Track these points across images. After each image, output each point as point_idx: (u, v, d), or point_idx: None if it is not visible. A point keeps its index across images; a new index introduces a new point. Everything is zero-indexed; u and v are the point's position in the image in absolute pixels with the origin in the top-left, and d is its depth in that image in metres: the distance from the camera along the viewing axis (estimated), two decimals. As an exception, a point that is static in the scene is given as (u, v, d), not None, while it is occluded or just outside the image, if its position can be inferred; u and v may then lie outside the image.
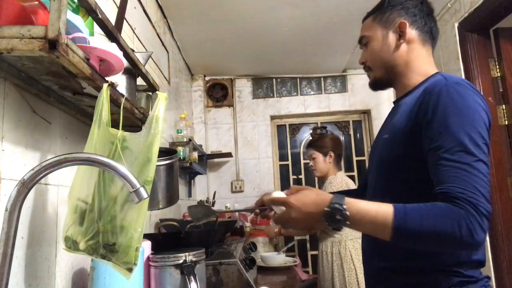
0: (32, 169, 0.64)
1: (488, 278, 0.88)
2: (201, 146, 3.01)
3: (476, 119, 0.81)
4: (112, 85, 0.83)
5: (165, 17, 2.42)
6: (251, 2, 2.35)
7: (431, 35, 1.03)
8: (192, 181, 3.09)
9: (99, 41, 0.81)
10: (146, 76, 1.13)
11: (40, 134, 0.90)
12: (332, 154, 2.36)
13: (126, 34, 1.59)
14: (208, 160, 3.39)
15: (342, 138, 3.63)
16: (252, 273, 1.46)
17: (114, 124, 0.82)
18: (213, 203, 2.91)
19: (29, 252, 0.84)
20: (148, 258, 1.09)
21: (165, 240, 1.28)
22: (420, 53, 1.01)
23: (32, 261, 0.85)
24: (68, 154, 0.66)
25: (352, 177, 3.23)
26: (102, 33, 0.89)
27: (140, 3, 1.89)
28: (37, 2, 0.70)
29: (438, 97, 0.84)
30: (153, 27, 2.13)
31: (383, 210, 0.76)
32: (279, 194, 0.93)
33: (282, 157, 3.68)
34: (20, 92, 0.81)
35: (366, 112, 3.65)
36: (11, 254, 0.63)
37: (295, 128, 3.75)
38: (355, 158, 3.64)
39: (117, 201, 0.76)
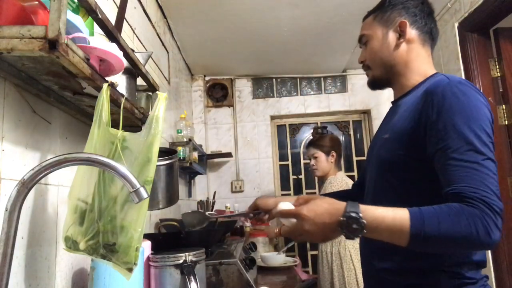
0: (32, 169, 0.64)
1: (487, 277, 0.88)
2: (201, 146, 3.01)
3: (481, 117, 0.81)
4: (112, 85, 0.83)
5: (165, 17, 2.42)
6: (251, 2, 2.35)
7: (431, 35, 1.03)
8: (192, 181, 3.09)
9: (99, 41, 0.81)
10: (146, 76, 1.13)
11: (40, 134, 0.90)
12: (334, 153, 2.36)
13: (126, 34, 1.59)
14: (208, 160, 3.39)
15: (342, 138, 3.63)
16: (252, 273, 1.46)
17: (114, 124, 0.82)
18: (213, 203, 2.91)
19: (29, 252, 0.84)
20: (148, 258, 1.09)
21: (165, 240, 1.28)
22: (420, 53, 1.01)
23: (32, 261, 0.85)
24: (68, 154, 0.66)
25: (352, 177, 3.23)
26: (102, 33, 0.89)
27: (140, 3, 1.89)
28: (37, 2, 0.70)
29: (442, 97, 0.84)
30: (153, 27, 2.13)
31: (400, 215, 0.74)
32: (287, 205, 0.85)
33: (282, 157, 3.68)
34: (20, 92, 0.81)
35: (366, 112, 3.65)
36: (11, 254, 0.63)
37: (295, 128, 3.75)
38: (355, 158, 3.64)
39: (117, 201, 0.76)
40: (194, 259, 1.05)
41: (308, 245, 3.50)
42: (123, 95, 0.90)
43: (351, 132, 3.69)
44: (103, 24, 0.84)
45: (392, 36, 1.02)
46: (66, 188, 1.00)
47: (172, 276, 1.03)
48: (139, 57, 1.10)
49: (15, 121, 0.80)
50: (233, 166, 3.51)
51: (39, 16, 0.69)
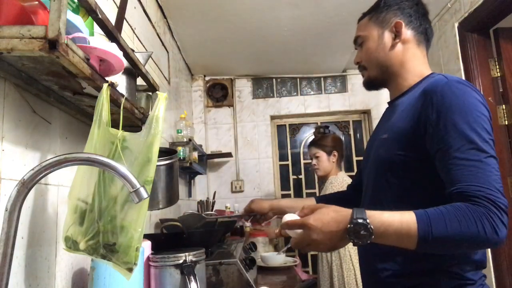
0: (32, 169, 0.64)
1: (485, 276, 0.89)
2: (201, 146, 3.01)
3: (481, 116, 0.81)
4: (112, 85, 0.83)
5: (165, 17, 2.42)
6: (251, 2, 2.35)
7: (426, 36, 1.04)
8: (192, 181, 3.09)
9: (99, 41, 0.81)
10: (146, 76, 1.13)
11: (40, 134, 0.90)
12: (336, 153, 2.36)
13: (126, 34, 1.59)
14: (208, 160, 3.39)
15: (342, 138, 3.63)
16: (252, 273, 1.46)
17: (114, 124, 0.82)
18: (213, 203, 2.91)
19: (29, 252, 0.84)
20: (148, 258, 1.09)
21: (167, 240, 1.28)
22: (415, 53, 1.02)
23: (32, 261, 0.85)
24: (68, 154, 0.66)
25: (352, 177, 3.23)
26: (102, 33, 0.89)
27: (140, 3, 1.89)
28: (37, 2, 0.70)
29: (441, 96, 0.84)
30: (153, 27, 2.13)
31: (406, 219, 0.74)
32: (292, 216, 0.84)
33: (282, 157, 3.68)
34: (20, 92, 0.81)
35: (366, 112, 3.65)
36: (11, 254, 0.63)
37: (295, 128, 3.75)
38: (355, 158, 3.64)
39: (117, 201, 0.76)
40: (194, 259, 1.05)
41: (308, 245, 3.49)
42: (123, 95, 0.90)
43: (351, 132, 3.69)
44: (103, 24, 0.84)
45: (387, 37, 1.02)
46: (66, 188, 1.00)
47: (172, 276, 1.03)
48: (139, 57, 1.10)
49: (15, 121, 0.80)
50: (233, 166, 3.51)
51: (39, 16, 0.69)
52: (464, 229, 0.71)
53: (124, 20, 1.38)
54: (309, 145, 2.53)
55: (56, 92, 0.87)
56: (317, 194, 3.52)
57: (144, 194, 0.64)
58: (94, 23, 0.87)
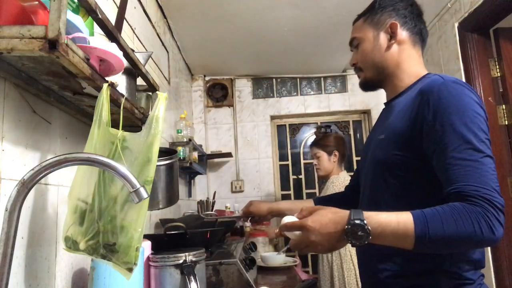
0: (32, 169, 0.64)
1: (483, 276, 0.89)
2: (201, 146, 3.01)
3: (477, 116, 0.82)
4: (112, 85, 0.83)
5: (165, 17, 2.42)
6: (251, 2, 2.35)
7: (421, 36, 1.05)
8: (192, 181, 3.09)
9: (99, 41, 0.81)
10: (146, 76, 1.13)
11: (40, 134, 0.90)
12: (336, 153, 2.36)
13: (126, 34, 1.59)
14: (208, 160, 3.38)
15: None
16: (252, 273, 1.46)
17: (114, 124, 0.82)
18: (213, 203, 2.91)
19: (29, 252, 0.84)
20: (148, 258, 1.09)
21: (169, 240, 1.28)
22: (411, 53, 1.02)
23: (32, 261, 0.85)
24: (68, 154, 0.66)
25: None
26: (102, 33, 0.89)
27: (140, 3, 1.89)
28: (37, 2, 0.70)
29: (438, 97, 0.84)
30: (153, 27, 2.13)
31: (403, 219, 0.75)
32: (291, 218, 0.85)
33: (282, 157, 3.68)
34: (20, 92, 0.81)
35: (366, 112, 3.65)
36: (11, 254, 0.63)
37: (295, 128, 3.75)
38: (355, 158, 3.64)
39: (117, 201, 0.76)
40: (194, 259, 1.05)
41: (308, 245, 3.49)
42: (123, 95, 0.90)
43: (351, 132, 3.69)
44: (103, 24, 0.84)
45: (383, 38, 1.03)
46: (66, 188, 1.00)
47: (172, 276, 1.03)
48: (139, 57, 1.10)
49: (15, 121, 0.80)
50: (233, 166, 3.51)
51: (39, 16, 0.69)
52: (461, 229, 0.71)
53: (124, 20, 1.38)
54: (310, 145, 2.53)
55: (56, 92, 0.87)
56: (317, 194, 3.52)
57: (144, 194, 0.64)
58: (94, 23, 0.87)
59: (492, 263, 2.11)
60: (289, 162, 3.66)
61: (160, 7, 2.29)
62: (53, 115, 0.95)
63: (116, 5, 1.44)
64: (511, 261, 2.06)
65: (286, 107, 3.63)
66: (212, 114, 3.60)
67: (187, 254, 1.04)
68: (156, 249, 1.15)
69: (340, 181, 2.24)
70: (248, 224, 2.76)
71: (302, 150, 3.68)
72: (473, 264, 0.86)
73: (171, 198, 1.15)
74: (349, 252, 2.12)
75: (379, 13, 1.04)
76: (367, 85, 1.09)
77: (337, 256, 2.15)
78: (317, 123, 3.69)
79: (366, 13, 1.08)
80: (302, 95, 3.65)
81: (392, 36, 1.02)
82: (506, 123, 2.16)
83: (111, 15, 1.16)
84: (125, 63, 0.91)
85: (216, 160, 3.46)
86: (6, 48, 0.61)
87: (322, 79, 3.68)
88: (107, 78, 0.82)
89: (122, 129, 0.81)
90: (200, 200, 2.92)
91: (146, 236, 1.18)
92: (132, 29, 1.72)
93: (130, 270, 0.75)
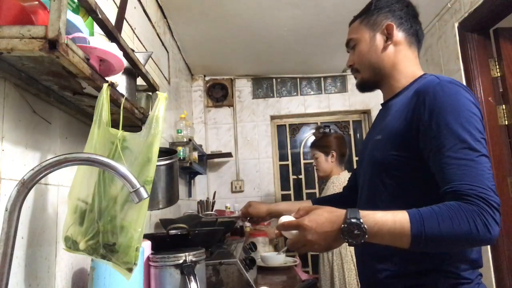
0: (32, 169, 0.64)
1: (481, 275, 0.89)
2: (201, 146, 3.01)
3: (472, 115, 0.83)
4: (112, 85, 0.83)
5: (165, 17, 2.42)
6: (251, 2, 2.35)
7: (416, 37, 1.05)
8: (192, 181, 3.09)
9: (99, 41, 0.81)
10: (146, 76, 1.13)
11: (40, 134, 0.90)
12: (334, 153, 2.35)
13: (126, 34, 1.59)
14: (208, 160, 3.38)
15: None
16: (252, 273, 1.46)
17: (114, 124, 0.82)
18: (213, 203, 2.91)
19: (29, 252, 0.84)
20: (148, 258, 1.09)
21: (169, 240, 1.28)
22: (407, 54, 1.03)
23: (32, 261, 0.85)
24: (68, 154, 0.66)
25: (352, 177, 3.22)
26: (102, 33, 0.89)
27: (140, 3, 1.89)
28: (37, 2, 0.70)
29: (434, 97, 0.85)
30: (153, 27, 2.13)
31: (399, 218, 0.75)
32: (288, 218, 0.86)
33: (282, 157, 3.68)
34: (20, 92, 0.81)
35: (366, 112, 3.65)
36: (11, 254, 0.63)
37: (295, 128, 3.75)
38: (355, 158, 3.64)
39: (117, 201, 0.76)
40: (194, 259, 1.05)
41: (308, 245, 3.49)
42: (123, 95, 0.90)
43: (351, 132, 3.69)
44: (103, 24, 0.84)
45: (379, 39, 1.04)
46: (66, 188, 1.00)
47: (172, 276, 1.03)
48: (139, 57, 1.10)
49: (15, 121, 0.80)
50: (233, 166, 3.51)
51: (39, 16, 0.69)
52: (457, 227, 0.72)
53: (124, 20, 1.38)
54: (310, 146, 2.53)
55: (56, 92, 0.87)
56: (317, 194, 3.53)
57: (144, 194, 0.64)
58: (94, 23, 0.87)
59: (492, 263, 2.11)
60: (289, 162, 3.66)
61: (160, 7, 2.29)
62: (53, 115, 0.95)
63: (116, 5, 1.44)
64: (511, 261, 2.06)
65: (286, 107, 3.63)
66: (212, 114, 3.61)
67: (187, 254, 1.04)
68: (156, 249, 1.15)
69: (340, 181, 2.24)
70: (248, 224, 2.76)
71: (302, 150, 3.68)
72: (471, 263, 0.87)
73: (171, 198, 1.15)
74: (350, 252, 2.12)
75: (375, 14, 1.05)
76: (364, 86, 1.10)
77: (337, 256, 2.15)
78: (317, 123, 3.69)
79: (362, 14, 1.09)
80: (302, 95, 3.65)
81: (388, 37, 1.02)
82: (506, 123, 2.16)
83: (111, 15, 1.16)
84: (125, 63, 0.91)
85: (216, 160, 3.46)
86: (6, 48, 0.61)
87: (322, 79, 3.68)
88: (107, 78, 0.82)
89: (122, 129, 0.81)
90: (200, 200, 2.92)
91: (146, 236, 1.18)
92: (132, 29, 1.72)
93: (130, 270, 0.75)
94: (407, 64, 1.02)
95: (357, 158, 3.63)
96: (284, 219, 0.86)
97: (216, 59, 3.27)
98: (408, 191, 0.89)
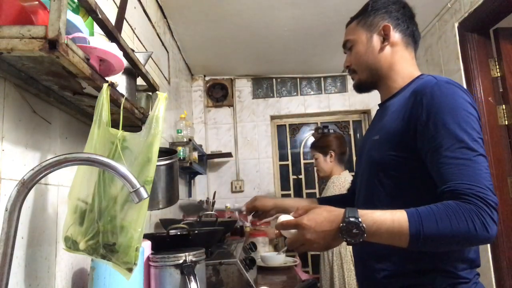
0: (32, 169, 0.64)
1: (478, 275, 0.90)
2: (201, 146, 3.01)
3: (469, 115, 0.83)
4: (112, 85, 0.83)
5: (165, 17, 2.42)
6: (251, 2, 2.35)
7: (413, 38, 1.06)
8: (192, 181, 3.09)
9: (99, 41, 0.81)
10: (146, 76, 1.13)
11: (40, 134, 0.90)
12: (332, 153, 2.36)
13: (126, 34, 1.59)
14: (208, 160, 3.38)
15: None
16: (252, 273, 1.46)
17: (114, 124, 0.82)
18: (213, 203, 2.91)
19: (29, 252, 0.84)
20: (148, 258, 1.09)
21: (169, 240, 1.28)
22: (404, 55, 1.04)
23: (32, 261, 0.85)
24: (68, 154, 0.66)
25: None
26: (102, 33, 0.89)
27: (140, 3, 1.89)
28: (37, 2, 0.70)
29: (431, 97, 0.85)
30: (153, 27, 2.13)
31: (398, 217, 0.75)
32: (287, 217, 0.86)
33: (282, 157, 3.68)
34: (20, 92, 0.81)
35: (366, 112, 3.65)
36: (11, 254, 0.63)
37: (295, 128, 3.75)
38: (355, 158, 3.64)
39: (117, 201, 0.76)
40: (194, 259, 1.05)
41: (308, 245, 3.49)
42: (123, 95, 0.90)
43: (351, 132, 3.69)
44: (103, 24, 0.84)
45: (376, 40, 1.04)
46: (66, 188, 1.00)
47: (172, 276, 1.03)
48: (139, 57, 1.10)
49: (15, 121, 0.80)
50: (233, 166, 3.51)
51: (39, 16, 0.69)
52: (455, 227, 0.72)
53: (124, 20, 1.38)
54: (310, 147, 2.54)
55: (56, 92, 0.87)
56: (317, 194, 3.53)
57: (144, 194, 0.64)
58: (94, 23, 0.87)
59: (492, 263, 2.11)
60: (289, 162, 3.66)
61: (160, 7, 2.29)
62: (53, 115, 0.95)
63: (116, 5, 1.44)
64: (511, 261, 2.06)
65: (286, 107, 3.63)
66: (212, 114, 3.60)
67: (187, 254, 1.04)
68: (156, 249, 1.15)
69: (340, 181, 2.24)
70: (248, 224, 2.76)
71: (302, 150, 3.68)
72: (469, 263, 0.87)
73: (171, 198, 1.15)
74: (349, 252, 2.12)
75: (372, 16, 1.05)
76: (361, 87, 1.10)
77: (337, 256, 2.15)
78: (317, 123, 3.69)
79: (359, 15, 1.09)
80: (302, 95, 3.65)
81: (385, 38, 1.03)
82: (506, 123, 2.16)
83: (111, 15, 1.16)
84: (125, 63, 0.91)
85: (216, 160, 3.46)
86: (6, 48, 0.61)
87: (322, 79, 3.68)
88: (107, 78, 0.82)
89: (122, 129, 0.81)
90: (200, 200, 2.92)
91: (146, 236, 1.18)
92: (132, 29, 1.72)
93: (130, 270, 0.75)
94: (404, 65, 1.03)
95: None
96: (283, 218, 0.86)
97: (216, 59, 3.27)
98: (406, 191, 0.90)
